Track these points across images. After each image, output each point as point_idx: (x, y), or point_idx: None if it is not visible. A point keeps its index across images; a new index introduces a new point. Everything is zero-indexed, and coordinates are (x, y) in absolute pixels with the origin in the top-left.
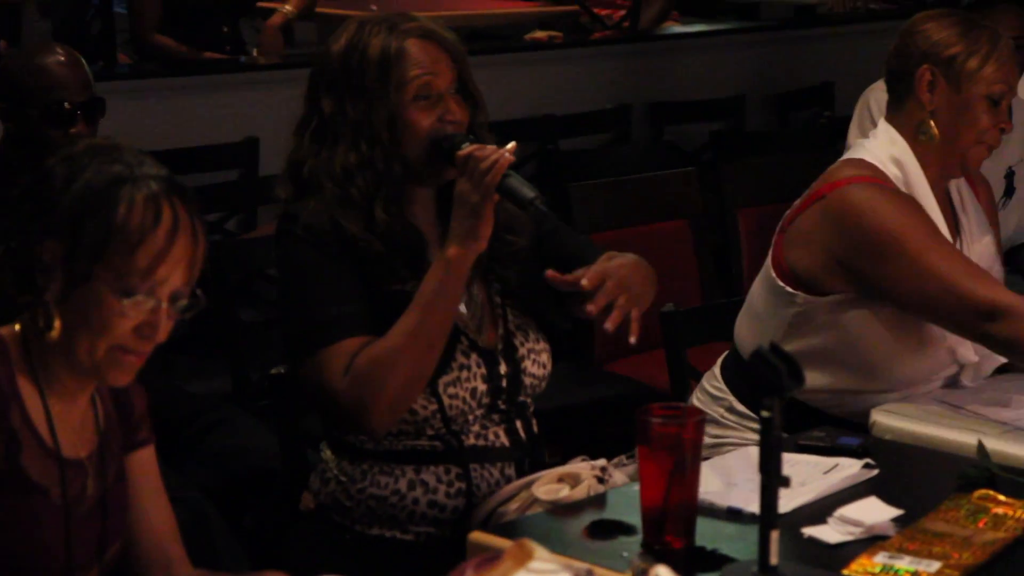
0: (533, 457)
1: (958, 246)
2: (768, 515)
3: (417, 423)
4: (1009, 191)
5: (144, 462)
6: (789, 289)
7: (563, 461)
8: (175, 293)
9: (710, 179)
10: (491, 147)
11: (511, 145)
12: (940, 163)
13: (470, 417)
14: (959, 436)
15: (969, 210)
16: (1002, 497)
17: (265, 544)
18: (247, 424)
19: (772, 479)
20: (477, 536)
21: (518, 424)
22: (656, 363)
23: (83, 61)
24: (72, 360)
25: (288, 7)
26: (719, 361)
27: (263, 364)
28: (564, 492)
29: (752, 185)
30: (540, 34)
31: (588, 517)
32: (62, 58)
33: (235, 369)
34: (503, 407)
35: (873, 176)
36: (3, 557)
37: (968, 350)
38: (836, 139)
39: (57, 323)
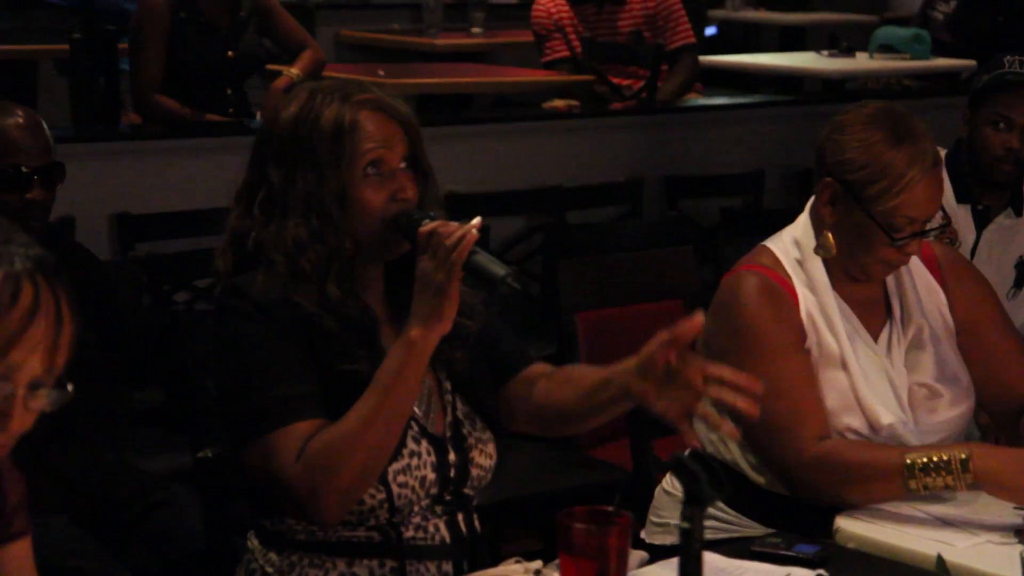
0: (473, 556)
1: (887, 330)
2: None
3: (363, 513)
4: (1019, 282)
5: (17, 556)
6: None
7: (544, 549)
8: (34, 381)
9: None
10: (454, 224)
11: (476, 220)
12: (841, 269)
13: (415, 508)
14: (923, 548)
15: (908, 294)
16: None
17: None
18: (192, 505)
19: None
20: None
21: (460, 518)
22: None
23: (43, 124)
24: None
25: (294, 70)
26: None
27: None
28: None
29: None
30: (559, 102)
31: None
32: (21, 120)
33: (195, 446)
34: (448, 499)
35: (765, 265)
36: None
37: (880, 412)
38: None
39: None
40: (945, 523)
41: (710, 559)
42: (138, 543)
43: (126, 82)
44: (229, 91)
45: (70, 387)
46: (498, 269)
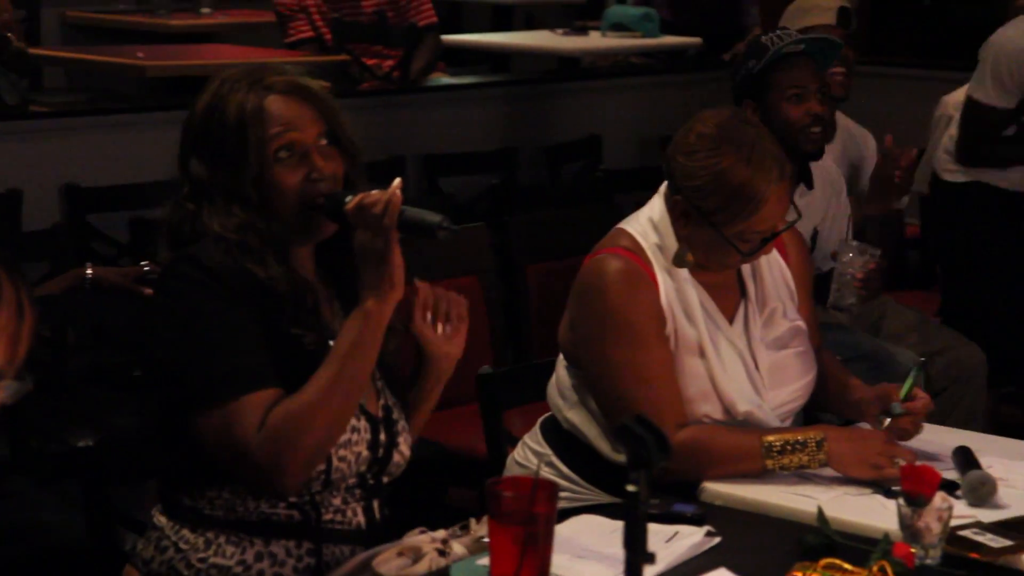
0: (385, 541)
1: (741, 310)
2: None
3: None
4: (811, 249)
5: None
6: (563, 359)
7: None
8: None
9: (495, 234)
10: (376, 191)
11: (397, 181)
12: (697, 264)
13: (342, 485)
14: (791, 503)
15: (764, 276)
16: (848, 565)
17: None
18: (36, 497)
19: (638, 556)
20: None
21: (375, 504)
22: (458, 421)
23: None
24: None
25: None
26: (539, 420)
27: (43, 432)
28: (407, 569)
29: (538, 240)
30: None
31: None
32: None
33: (15, 438)
34: (370, 482)
35: (626, 248)
36: None
37: (736, 400)
38: (610, 192)
39: None
40: (802, 478)
41: (596, 521)
42: None
43: None
44: None
45: (29, 380)
46: (432, 217)
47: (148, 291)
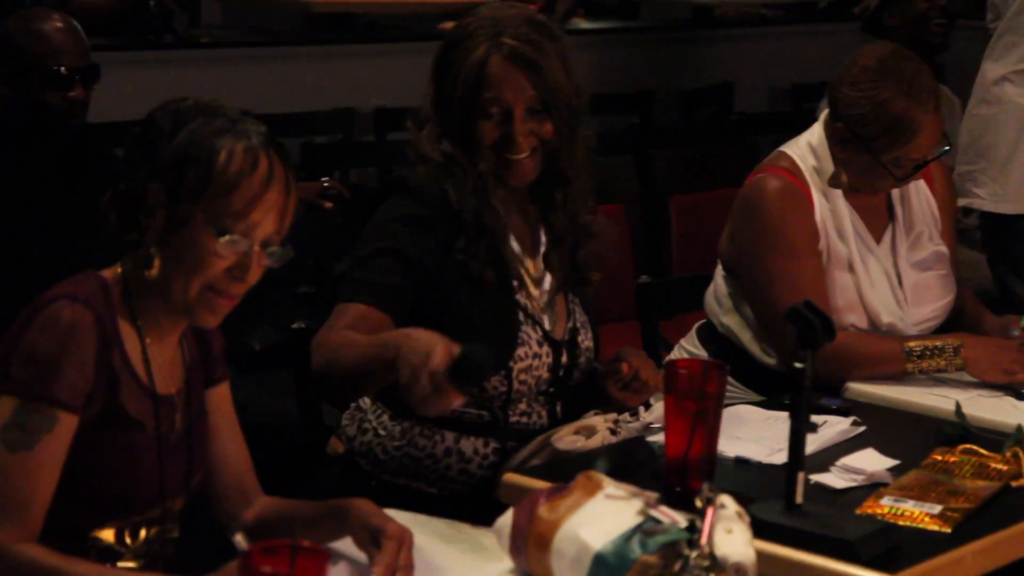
0: None
1: (889, 231)
2: (796, 458)
3: (483, 399)
4: None
5: (221, 397)
6: (721, 269)
7: None
8: (267, 239)
9: (639, 168)
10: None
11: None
12: (851, 186)
13: (527, 399)
14: (929, 400)
15: (912, 201)
16: (983, 451)
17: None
18: (241, 382)
19: (802, 424)
20: (511, 477)
21: (558, 406)
22: (613, 335)
23: (80, 28)
24: (167, 299)
25: None
26: (696, 325)
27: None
28: (581, 443)
29: (681, 174)
30: (451, 25)
31: (608, 464)
32: (60, 24)
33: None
34: (552, 391)
35: (785, 169)
36: (106, 486)
37: (881, 312)
38: (743, 134)
39: (156, 262)
40: (939, 382)
41: (751, 410)
42: None
43: None
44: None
45: (290, 249)
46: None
47: (328, 205)
